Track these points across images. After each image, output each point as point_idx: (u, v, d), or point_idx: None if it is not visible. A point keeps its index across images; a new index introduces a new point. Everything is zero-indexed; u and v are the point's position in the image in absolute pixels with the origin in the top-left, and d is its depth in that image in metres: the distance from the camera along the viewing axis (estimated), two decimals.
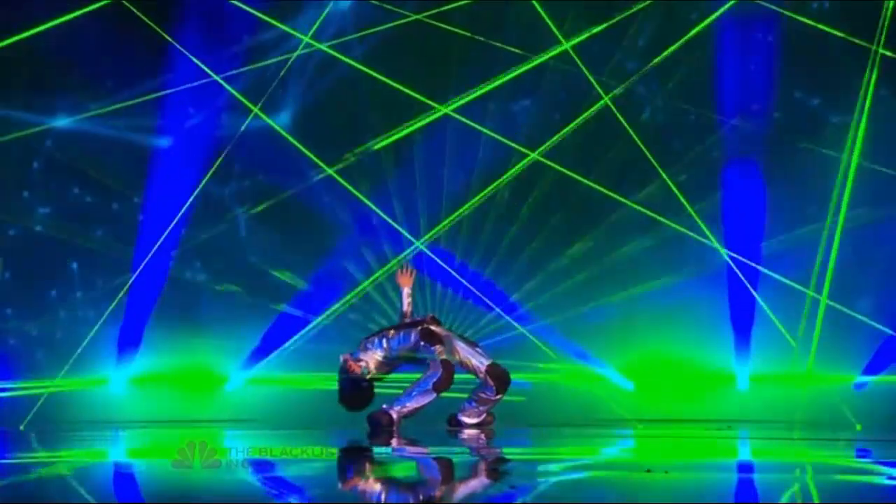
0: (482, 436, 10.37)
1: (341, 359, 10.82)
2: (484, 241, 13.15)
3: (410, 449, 9.42)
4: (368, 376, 10.77)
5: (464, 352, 10.73)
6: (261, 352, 13.04)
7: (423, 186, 13.14)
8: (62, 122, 13.07)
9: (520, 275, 13.08)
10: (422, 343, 10.72)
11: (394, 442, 9.78)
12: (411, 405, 10.65)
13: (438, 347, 10.69)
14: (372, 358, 10.77)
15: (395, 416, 10.62)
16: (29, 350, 13.00)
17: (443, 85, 13.15)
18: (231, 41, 13.15)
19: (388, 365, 10.87)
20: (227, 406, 12.82)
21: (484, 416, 10.87)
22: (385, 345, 10.79)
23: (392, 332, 10.87)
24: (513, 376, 10.98)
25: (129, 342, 13.00)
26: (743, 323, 12.89)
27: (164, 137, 13.15)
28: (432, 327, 10.81)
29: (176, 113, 13.14)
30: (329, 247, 13.13)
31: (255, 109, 13.07)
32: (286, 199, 13.19)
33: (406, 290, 11.16)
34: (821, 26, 12.88)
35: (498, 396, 10.81)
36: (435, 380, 10.58)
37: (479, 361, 10.75)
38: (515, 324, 12.98)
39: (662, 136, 13.12)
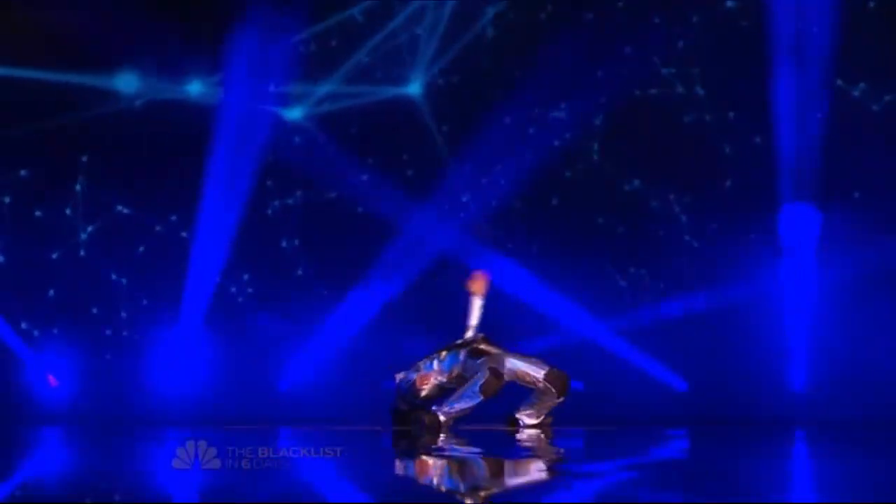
0: (541, 435, 10.25)
1: (397, 378, 10.74)
2: (533, 243, 13.10)
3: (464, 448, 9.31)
4: (423, 395, 10.67)
5: (517, 366, 10.64)
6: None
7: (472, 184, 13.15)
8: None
9: (571, 276, 13.00)
10: (469, 360, 10.61)
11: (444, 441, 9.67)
12: (458, 406, 10.55)
13: (484, 358, 10.58)
14: (426, 380, 10.70)
15: (442, 417, 10.55)
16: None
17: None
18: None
19: (440, 388, 10.75)
20: (279, 407, 12.82)
21: (543, 416, 10.78)
22: (436, 366, 10.70)
23: (444, 352, 10.78)
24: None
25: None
26: (797, 324, 12.76)
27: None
28: (482, 346, 10.72)
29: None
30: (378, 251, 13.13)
31: None
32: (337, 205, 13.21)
33: (478, 302, 10.94)
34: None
35: (559, 399, 10.73)
36: (481, 383, 10.47)
37: (536, 372, 10.66)
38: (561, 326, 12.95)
39: (709, 139, 13.02)
